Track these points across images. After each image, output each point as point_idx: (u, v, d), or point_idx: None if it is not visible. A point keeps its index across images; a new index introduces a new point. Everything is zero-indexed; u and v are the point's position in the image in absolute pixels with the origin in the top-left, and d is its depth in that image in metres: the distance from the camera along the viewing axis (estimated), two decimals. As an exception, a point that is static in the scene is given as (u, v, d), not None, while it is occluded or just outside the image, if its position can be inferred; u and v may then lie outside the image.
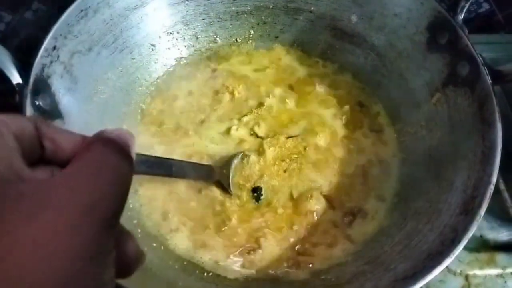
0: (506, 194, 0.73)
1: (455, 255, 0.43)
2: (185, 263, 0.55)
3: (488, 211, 0.71)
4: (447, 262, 0.43)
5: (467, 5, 0.59)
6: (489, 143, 0.51)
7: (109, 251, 0.22)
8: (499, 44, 0.85)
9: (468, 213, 0.47)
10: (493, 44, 0.85)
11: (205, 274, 0.54)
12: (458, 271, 0.64)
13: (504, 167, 0.74)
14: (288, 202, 0.61)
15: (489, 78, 0.54)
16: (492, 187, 0.48)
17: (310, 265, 0.55)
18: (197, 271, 0.54)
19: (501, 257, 0.66)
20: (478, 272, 0.65)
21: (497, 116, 0.52)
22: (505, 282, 0.64)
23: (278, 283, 0.53)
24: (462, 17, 0.60)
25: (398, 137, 0.66)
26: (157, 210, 0.58)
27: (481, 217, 0.46)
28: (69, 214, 0.20)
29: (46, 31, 0.54)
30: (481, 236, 0.68)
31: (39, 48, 0.53)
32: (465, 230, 0.45)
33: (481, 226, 0.70)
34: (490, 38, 0.90)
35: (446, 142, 0.58)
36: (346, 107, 0.69)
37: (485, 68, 0.55)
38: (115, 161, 0.24)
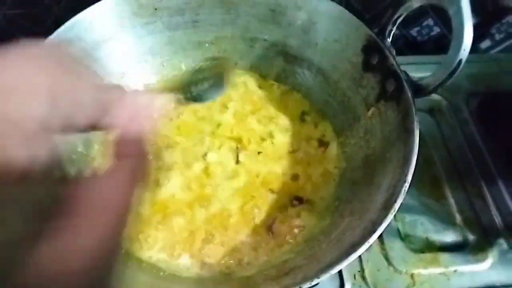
0: (451, 200, 0.80)
1: (370, 244, 0.49)
2: (143, 264, 0.61)
3: (434, 215, 0.78)
4: (361, 250, 0.49)
5: (394, 29, 0.67)
6: (408, 148, 0.58)
7: None
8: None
9: (386, 208, 0.53)
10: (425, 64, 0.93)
11: (162, 273, 0.60)
12: (404, 270, 0.70)
13: (449, 176, 0.82)
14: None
15: (411, 91, 0.62)
16: (407, 185, 0.54)
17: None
18: (154, 270, 0.60)
19: (444, 257, 0.72)
20: (422, 271, 0.70)
21: (415, 125, 0.59)
22: (448, 279, 0.70)
23: (227, 279, 0.59)
24: (390, 39, 0.68)
25: (341, 148, 0.73)
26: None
27: (396, 211, 0.52)
28: None
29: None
30: (426, 238, 0.75)
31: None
32: (381, 222, 0.51)
33: (427, 229, 0.76)
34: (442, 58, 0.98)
35: (378, 150, 0.65)
36: (296, 123, 0.76)
37: (407, 83, 0.62)
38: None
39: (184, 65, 0.83)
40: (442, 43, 1.06)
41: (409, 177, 0.55)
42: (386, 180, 0.59)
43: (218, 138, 0.74)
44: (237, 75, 0.83)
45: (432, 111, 0.92)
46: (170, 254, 0.62)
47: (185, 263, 0.62)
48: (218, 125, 0.76)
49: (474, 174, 0.82)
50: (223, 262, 0.62)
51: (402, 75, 0.64)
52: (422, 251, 0.73)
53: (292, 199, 0.68)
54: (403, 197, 0.53)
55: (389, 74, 0.65)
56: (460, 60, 0.58)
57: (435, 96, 0.93)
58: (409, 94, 0.62)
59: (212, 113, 0.78)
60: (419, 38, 1.06)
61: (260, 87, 0.82)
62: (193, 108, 0.78)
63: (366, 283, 0.68)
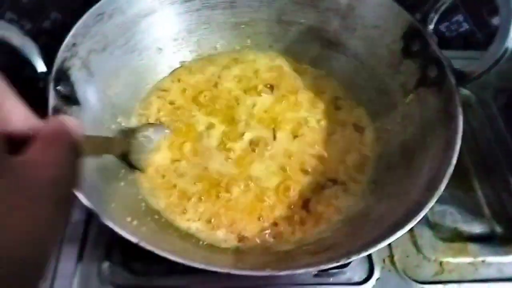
0: (480, 193, 0.80)
1: (417, 220, 0.50)
2: (183, 233, 0.61)
3: (463, 207, 0.79)
4: (409, 226, 0.49)
5: (436, 16, 0.68)
6: (452, 132, 0.58)
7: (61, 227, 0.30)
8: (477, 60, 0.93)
9: (431, 190, 0.53)
10: (471, 59, 0.93)
11: (201, 242, 0.60)
12: (433, 258, 0.70)
13: (478, 169, 0.82)
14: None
15: (453, 78, 0.62)
16: (452, 167, 0.54)
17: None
18: (193, 240, 0.60)
19: (473, 247, 0.72)
20: (451, 259, 0.70)
21: (459, 110, 0.59)
22: (476, 269, 0.70)
23: (265, 253, 0.59)
24: (432, 26, 0.68)
25: (377, 134, 0.73)
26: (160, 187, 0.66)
27: (441, 191, 0.52)
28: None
29: (61, 41, 0.62)
30: (455, 228, 0.75)
31: (62, 44, 0.61)
32: (427, 202, 0.51)
33: (456, 219, 0.76)
34: (470, 54, 0.99)
35: (417, 136, 0.65)
36: (331, 108, 0.77)
37: (450, 70, 0.63)
38: (71, 146, 0.29)
39: (219, 45, 0.83)
40: (470, 40, 1.06)
41: (454, 160, 0.55)
42: (427, 164, 0.60)
43: (254, 119, 0.74)
44: (273, 58, 0.83)
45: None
46: (208, 226, 0.62)
47: (222, 235, 0.62)
48: (253, 105, 0.76)
49: (501, 168, 0.82)
50: (259, 236, 0.62)
51: (445, 62, 0.64)
52: (451, 240, 0.73)
53: (326, 182, 0.68)
54: (448, 179, 0.54)
55: (430, 60, 0.66)
56: (506, 49, 0.59)
57: (464, 91, 0.93)
58: (452, 81, 0.62)
59: (246, 94, 0.77)
60: (447, 33, 1.06)
61: (295, 70, 0.81)
62: (227, 88, 0.78)
63: (395, 267, 0.68)
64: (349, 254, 0.48)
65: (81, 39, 0.64)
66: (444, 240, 0.73)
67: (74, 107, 0.61)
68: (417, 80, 0.68)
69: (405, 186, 0.60)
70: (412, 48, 0.69)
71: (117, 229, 0.47)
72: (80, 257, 0.65)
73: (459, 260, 0.71)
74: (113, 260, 0.65)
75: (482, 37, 1.05)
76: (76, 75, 0.63)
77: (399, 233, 0.49)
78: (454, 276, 0.69)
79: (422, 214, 0.50)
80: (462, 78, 0.62)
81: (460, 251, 0.72)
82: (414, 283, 0.67)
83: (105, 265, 0.65)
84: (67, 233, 0.67)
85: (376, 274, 0.67)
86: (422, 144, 0.63)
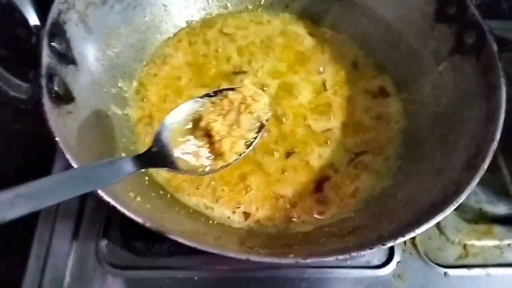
0: (505, 171, 0.74)
1: (458, 203, 0.45)
2: (191, 211, 0.55)
3: (488, 186, 0.73)
4: (450, 209, 0.44)
5: (475, -24, 0.60)
6: (493, 105, 0.52)
7: None
8: (503, 30, 0.87)
9: (471, 169, 0.48)
10: (497, 29, 0.86)
11: (210, 221, 0.55)
12: (457, 240, 0.65)
13: (504, 145, 0.76)
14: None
15: (495, 45, 0.55)
16: (495, 144, 0.49)
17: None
18: (203, 219, 0.55)
19: (498, 229, 0.68)
20: (476, 242, 0.66)
21: (502, 81, 0.53)
22: (502, 252, 0.66)
23: (282, 234, 0.54)
24: (471, -14, 0.61)
25: (403, 104, 0.67)
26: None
27: (484, 170, 0.47)
28: None
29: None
30: (480, 209, 0.70)
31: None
32: (468, 182, 0.46)
33: (480, 199, 0.71)
34: (495, 24, 0.91)
35: (451, 108, 0.59)
36: (352, 75, 0.70)
37: (492, 36, 0.56)
38: None
39: (230, 4, 0.75)
40: (496, 9, 0.99)
41: (498, 135, 0.49)
42: (464, 140, 0.54)
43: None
44: (286, 22, 0.75)
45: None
46: (217, 203, 0.57)
47: (232, 213, 0.57)
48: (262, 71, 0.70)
49: (529, 146, 0.77)
50: (275, 216, 0.57)
51: (485, 27, 0.57)
52: (475, 221, 0.68)
53: (347, 156, 0.62)
54: (491, 157, 0.48)
55: (468, 25, 0.59)
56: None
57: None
58: (494, 47, 0.55)
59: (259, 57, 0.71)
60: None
61: (311, 34, 0.74)
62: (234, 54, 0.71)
63: (417, 250, 0.64)
64: (381, 239, 0.43)
65: (78, -10, 0.56)
66: (468, 221, 0.68)
67: (70, 67, 0.54)
68: (451, 46, 0.61)
69: (438, 164, 0.54)
70: (447, 11, 0.62)
71: (121, 207, 0.41)
72: (75, 235, 0.60)
73: (484, 242, 0.66)
74: (112, 239, 0.60)
75: (508, 7, 0.98)
76: (73, 30, 0.56)
77: (438, 217, 0.44)
78: (479, 260, 0.64)
79: (463, 196, 0.45)
80: (504, 44, 0.56)
81: (485, 233, 0.67)
82: (436, 267, 0.63)
83: (103, 243, 0.59)
84: (61, 208, 0.62)
85: (397, 257, 0.62)
86: (457, 117, 0.57)
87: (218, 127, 0.50)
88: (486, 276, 0.63)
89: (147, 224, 0.40)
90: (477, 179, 0.46)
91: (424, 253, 0.64)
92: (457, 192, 0.46)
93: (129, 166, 0.42)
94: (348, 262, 0.60)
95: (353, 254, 0.40)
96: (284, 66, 0.70)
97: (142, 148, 0.60)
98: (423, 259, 0.63)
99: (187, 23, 0.73)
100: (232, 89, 0.54)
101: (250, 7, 0.76)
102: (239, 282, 0.59)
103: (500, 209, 0.70)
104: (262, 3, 0.75)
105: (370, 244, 0.42)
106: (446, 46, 0.62)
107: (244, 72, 0.68)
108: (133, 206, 0.45)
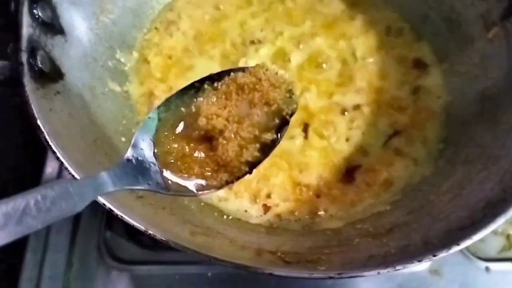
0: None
1: (525, 203, 0.37)
2: (202, 204, 0.49)
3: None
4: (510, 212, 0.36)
5: None
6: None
7: None
8: None
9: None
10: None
11: (225, 217, 0.48)
12: (500, 230, 0.59)
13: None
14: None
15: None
16: None
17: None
18: (216, 213, 0.48)
19: (547, 216, 0.60)
20: (521, 232, 0.59)
21: None
22: (551, 244, 0.59)
23: (307, 231, 0.47)
24: None
25: (445, 77, 0.58)
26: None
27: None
28: None
29: None
30: (526, 193, 0.62)
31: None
32: (535, 175, 0.38)
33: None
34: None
35: (503, 82, 0.51)
36: (386, 42, 0.61)
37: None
38: None
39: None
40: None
41: None
42: (521, 119, 0.45)
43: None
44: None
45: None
46: (231, 192, 0.51)
47: (249, 205, 0.50)
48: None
49: None
50: (292, 208, 0.50)
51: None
52: (520, 208, 0.60)
53: (382, 137, 0.55)
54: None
55: (527, -19, 0.49)
56: None
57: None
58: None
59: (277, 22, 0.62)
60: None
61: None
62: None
63: (456, 242, 0.57)
64: (429, 246, 0.36)
65: None
66: (512, 207, 0.60)
67: (57, 38, 0.46)
68: (505, 8, 0.52)
69: (491, 149, 0.46)
70: (501, -37, 0.52)
71: (118, 211, 0.34)
72: (75, 227, 0.55)
73: (530, 232, 0.59)
74: (115, 230, 0.54)
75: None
76: (60, -5, 0.47)
77: (499, 219, 0.36)
78: (525, 252, 0.57)
79: (531, 194, 0.37)
80: None
81: (532, 221, 0.60)
82: (477, 261, 0.57)
83: (106, 235, 0.54)
84: (59, 195, 0.55)
85: (433, 250, 0.55)
86: (511, 93, 0.48)
87: (222, 125, 0.36)
88: (533, 270, 0.56)
89: (150, 232, 0.34)
90: (546, 171, 0.39)
91: (463, 245, 0.57)
92: (520, 188, 0.38)
93: (92, 191, 0.30)
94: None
95: (398, 267, 0.33)
96: (307, 33, 0.61)
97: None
98: (463, 252, 0.57)
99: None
100: (242, 70, 0.40)
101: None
102: (257, 278, 0.53)
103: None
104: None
105: (417, 254, 0.35)
106: (498, 7, 0.53)
107: (260, 42, 0.60)
108: (134, 208, 0.38)
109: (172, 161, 0.36)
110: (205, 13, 0.62)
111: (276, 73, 0.40)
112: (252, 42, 0.60)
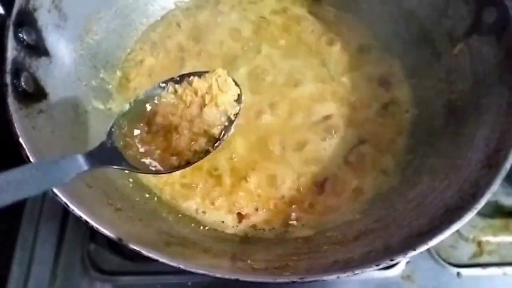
0: (524, 158, 0.68)
1: (477, 209, 0.40)
2: (180, 215, 0.51)
3: (506, 176, 0.67)
4: (468, 217, 0.39)
5: None
6: (516, 93, 0.46)
7: None
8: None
9: (491, 167, 0.42)
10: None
11: (201, 227, 0.50)
12: (471, 237, 0.61)
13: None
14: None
15: (518, 24, 0.49)
16: (519, 140, 0.43)
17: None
18: (193, 224, 0.50)
19: (516, 223, 0.62)
20: (491, 238, 0.61)
21: (527, 65, 0.47)
22: (521, 249, 0.61)
23: (280, 240, 0.50)
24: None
25: (414, 91, 0.61)
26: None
27: (507, 170, 0.41)
28: None
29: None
30: (496, 201, 0.65)
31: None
32: (488, 184, 0.41)
33: (496, 191, 0.64)
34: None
35: (467, 96, 0.54)
36: (356, 59, 0.64)
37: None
38: None
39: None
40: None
41: (524, 129, 0.43)
42: (482, 133, 0.48)
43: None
44: (284, 0, 0.68)
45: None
46: (206, 204, 0.53)
47: (224, 216, 0.52)
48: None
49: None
50: (267, 218, 0.52)
51: (508, 3, 0.50)
52: (491, 216, 0.63)
53: (350, 149, 0.57)
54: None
55: (487, 1, 0.52)
56: None
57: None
58: (517, 27, 0.49)
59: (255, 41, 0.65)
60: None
61: (312, 14, 0.67)
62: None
63: (428, 249, 0.58)
64: (390, 252, 0.38)
65: (50, -28, 0.51)
66: (483, 215, 0.63)
67: (42, 60, 0.49)
68: (468, 26, 0.55)
69: (454, 159, 0.49)
70: (464, -15, 0.55)
71: (93, 222, 0.36)
72: (60, 240, 0.56)
73: (500, 239, 0.61)
74: (99, 242, 0.55)
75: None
76: (45, 18, 0.50)
77: (454, 226, 0.39)
78: (495, 258, 0.60)
79: (483, 201, 0.40)
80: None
81: (502, 228, 0.62)
82: (449, 267, 0.58)
83: (90, 248, 0.55)
84: (45, 210, 0.58)
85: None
86: (474, 106, 0.51)
87: (176, 122, 0.45)
88: (503, 275, 0.58)
89: (124, 242, 0.36)
90: (498, 180, 0.41)
91: (436, 252, 0.60)
92: (476, 196, 0.41)
93: (77, 166, 0.38)
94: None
95: (357, 272, 0.36)
96: (282, 50, 0.64)
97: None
98: (435, 258, 0.59)
99: (176, 4, 0.67)
100: (199, 75, 0.48)
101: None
102: (238, 286, 0.55)
103: (519, 201, 0.65)
104: (259, -22, 0.69)
105: (377, 259, 0.37)
106: (462, 25, 0.56)
107: (238, 58, 0.62)
108: (112, 220, 0.40)
109: (138, 147, 0.44)
110: (189, 33, 0.65)
111: (225, 80, 0.48)
112: (233, 60, 0.63)
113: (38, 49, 0.49)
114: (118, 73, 0.60)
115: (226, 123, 0.47)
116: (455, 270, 0.58)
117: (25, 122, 0.42)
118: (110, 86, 0.59)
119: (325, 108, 0.59)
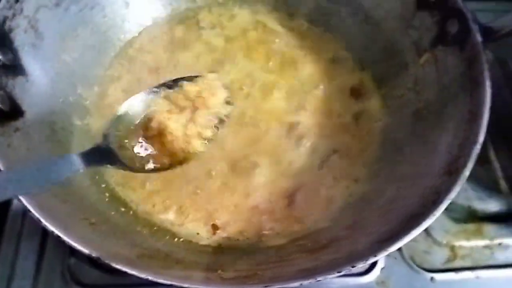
0: (496, 164, 0.70)
1: (435, 216, 0.41)
2: (155, 228, 0.52)
3: (477, 181, 0.69)
4: (427, 223, 0.41)
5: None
6: (477, 101, 0.48)
7: None
8: (493, 12, 0.82)
9: (452, 174, 0.44)
10: (487, 11, 0.82)
11: (176, 239, 0.52)
12: (444, 242, 0.62)
13: (494, 136, 0.72)
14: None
15: (480, 35, 0.51)
16: (478, 147, 0.45)
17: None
18: (168, 237, 0.51)
19: (489, 228, 0.64)
20: (464, 243, 0.62)
21: (486, 75, 0.49)
22: (492, 253, 0.62)
23: (253, 249, 0.51)
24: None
25: (384, 101, 0.63)
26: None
27: (466, 177, 0.43)
28: None
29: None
30: (469, 206, 0.66)
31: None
32: (448, 191, 0.42)
33: (469, 196, 0.67)
34: (485, 6, 0.87)
35: (433, 104, 0.55)
36: (329, 71, 0.66)
37: (475, 25, 0.52)
38: None
39: (199, -3, 0.70)
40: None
41: (481, 138, 0.45)
42: (445, 140, 0.50)
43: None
44: (259, 16, 0.70)
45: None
46: (182, 216, 0.54)
47: (199, 228, 0.53)
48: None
49: (522, 136, 0.72)
50: (240, 228, 0.53)
51: (469, 15, 0.53)
52: (464, 221, 0.65)
53: (322, 158, 0.59)
54: (474, 160, 0.44)
55: (451, 13, 0.54)
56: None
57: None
58: (477, 38, 0.51)
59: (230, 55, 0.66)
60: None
61: (286, 28, 0.69)
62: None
63: (402, 255, 0.61)
64: (353, 259, 0.39)
65: (26, -8, 0.52)
66: (457, 221, 0.64)
67: (19, 78, 0.50)
68: (434, 37, 0.57)
69: (420, 167, 0.50)
70: (429, -2, 0.57)
71: (64, 236, 0.37)
72: (41, 255, 0.57)
73: (473, 243, 0.62)
74: (80, 256, 0.56)
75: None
76: (21, 38, 0.52)
77: (414, 232, 0.40)
78: (468, 262, 0.61)
79: (442, 207, 0.41)
80: (489, 35, 0.52)
81: (474, 233, 0.64)
82: (422, 272, 0.60)
83: (70, 262, 0.56)
84: (26, 225, 0.59)
85: (381, 263, 0.59)
86: (439, 114, 0.53)
87: (173, 125, 0.49)
88: (476, 279, 0.60)
89: (94, 254, 0.37)
90: (457, 187, 0.43)
91: (410, 258, 0.61)
92: (436, 202, 0.42)
93: (72, 165, 0.43)
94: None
95: (319, 278, 0.37)
96: (257, 64, 0.66)
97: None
98: (409, 263, 0.60)
99: (152, 20, 0.68)
100: (191, 79, 0.53)
101: (221, 0, 0.71)
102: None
103: (490, 206, 0.67)
104: (233, -6, 0.71)
105: (339, 265, 0.39)
106: (428, 36, 0.58)
107: (214, 72, 0.64)
108: (84, 233, 0.41)
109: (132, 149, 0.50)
110: (167, 48, 0.67)
111: (214, 84, 0.54)
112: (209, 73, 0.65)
113: (15, 69, 0.50)
114: (96, 89, 0.61)
115: (218, 124, 0.53)
116: (429, 275, 0.59)
117: (1, 141, 0.43)
118: (87, 102, 0.60)
119: (297, 119, 0.61)
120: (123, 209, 0.53)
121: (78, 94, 0.59)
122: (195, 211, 0.54)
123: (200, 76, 0.53)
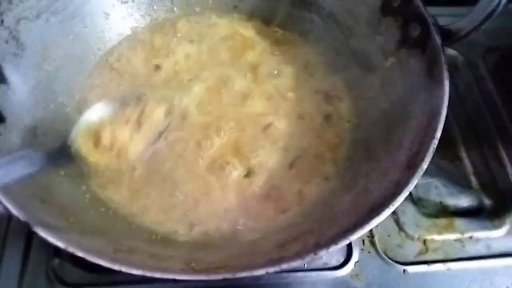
0: (467, 161, 0.73)
1: (394, 206, 0.43)
2: (133, 227, 0.54)
3: (449, 178, 0.72)
4: (386, 213, 0.43)
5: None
6: (436, 101, 0.51)
7: None
8: (452, 16, 0.85)
9: (411, 168, 0.47)
10: (459, 16, 0.85)
11: (153, 236, 0.54)
12: (416, 236, 0.64)
13: (465, 134, 0.75)
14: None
15: (439, 37, 0.54)
16: (435, 142, 0.47)
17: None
18: (145, 234, 0.54)
19: (459, 222, 0.66)
20: (436, 237, 0.65)
21: (445, 74, 0.52)
22: (463, 246, 0.65)
23: (228, 244, 0.53)
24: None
25: (354, 103, 0.65)
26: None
27: (423, 170, 0.46)
28: None
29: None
30: (440, 202, 0.69)
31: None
32: (406, 183, 0.45)
33: (441, 192, 0.70)
34: (457, 10, 0.90)
35: (398, 105, 0.58)
36: (302, 76, 0.69)
37: (435, 28, 0.55)
38: None
39: (176, 8, 0.73)
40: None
41: (438, 133, 0.48)
42: (408, 137, 0.53)
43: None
44: (235, 24, 0.73)
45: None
46: (160, 215, 0.56)
47: (177, 226, 0.55)
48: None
49: (491, 134, 0.75)
50: (216, 225, 0.56)
51: (429, 19, 0.56)
52: (435, 216, 0.67)
53: (295, 158, 0.61)
54: (432, 155, 0.47)
55: (413, 17, 0.58)
56: (499, 2, 0.51)
57: (449, 51, 0.85)
58: (437, 40, 0.54)
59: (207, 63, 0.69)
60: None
61: (261, 35, 0.72)
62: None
63: (376, 249, 0.63)
64: (316, 248, 0.42)
65: (6, 5, 0.55)
66: (428, 216, 0.67)
67: (0, 87, 0.53)
68: (398, 40, 0.60)
69: (385, 164, 0.53)
70: (392, 4, 0.60)
71: (42, 232, 0.39)
72: (26, 256, 0.59)
73: (444, 237, 0.65)
74: (64, 256, 0.58)
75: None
76: (2, 48, 0.54)
77: (374, 221, 0.43)
78: (439, 255, 0.63)
79: (401, 199, 0.44)
80: (449, 37, 0.55)
81: (446, 227, 0.66)
82: (395, 265, 0.62)
83: (55, 262, 0.58)
84: (11, 226, 0.60)
85: (355, 257, 0.61)
86: (403, 113, 0.56)
87: (120, 135, 0.55)
88: (447, 270, 0.62)
89: (70, 249, 0.39)
90: (415, 180, 0.45)
91: (383, 251, 0.63)
92: (395, 194, 0.44)
93: (33, 163, 0.47)
94: (306, 265, 0.60)
95: (284, 266, 0.39)
96: (233, 70, 0.68)
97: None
98: (382, 257, 0.62)
99: (132, 30, 0.71)
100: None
101: (198, 10, 0.74)
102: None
103: (461, 201, 0.69)
104: (209, 4, 0.74)
105: (303, 254, 0.41)
106: (393, 40, 0.61)
107: (192, 78, 0.67)
108: (63, 229, 0.44)
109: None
110: (145, 57, 0.69)
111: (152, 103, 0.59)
112: (188, 80, 0.68)
113: (-4, 77, 0.52)
114: (77, 97, 0.64)
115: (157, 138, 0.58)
116: (402, 267, 0.61)
117: (-20, 146, 0.45)
118: (68, 109, 0.62)
119: (271, 121, 0.63)
120: (102, 209, 0.55)
121: (59, 101, 0.61)
122: (173, 210, 0.56)
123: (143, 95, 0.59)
